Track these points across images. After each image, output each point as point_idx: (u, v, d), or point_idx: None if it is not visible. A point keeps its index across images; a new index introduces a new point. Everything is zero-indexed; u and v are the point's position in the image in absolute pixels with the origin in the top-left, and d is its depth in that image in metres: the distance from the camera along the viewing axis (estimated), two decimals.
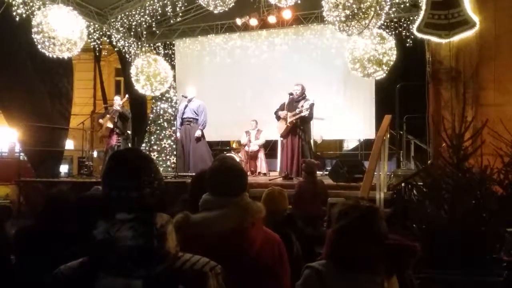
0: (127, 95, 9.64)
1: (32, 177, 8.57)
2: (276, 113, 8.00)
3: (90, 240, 1.22)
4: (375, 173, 5.03)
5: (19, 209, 7.70)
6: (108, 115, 9.02)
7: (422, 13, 4.63)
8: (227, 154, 8.56)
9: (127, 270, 1.19)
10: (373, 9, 6.21)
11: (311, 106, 7.57)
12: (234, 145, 11.32)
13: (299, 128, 7.61)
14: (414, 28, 4.80)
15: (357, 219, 1.76)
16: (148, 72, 9.32)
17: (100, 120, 9.20)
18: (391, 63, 8.14)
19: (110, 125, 8.90)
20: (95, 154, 12.15)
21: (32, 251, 2.59)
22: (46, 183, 7.96)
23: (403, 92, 8.24)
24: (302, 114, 7.49)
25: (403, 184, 5.53)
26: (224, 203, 1.82)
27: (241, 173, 1.95)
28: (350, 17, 6.31)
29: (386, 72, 8.25)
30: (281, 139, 8.19)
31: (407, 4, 8.98)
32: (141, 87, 9.44)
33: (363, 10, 6.20)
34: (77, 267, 1.25)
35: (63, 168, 12.12)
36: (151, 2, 9.75)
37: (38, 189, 7.93)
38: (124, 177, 1.26)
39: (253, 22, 9.85)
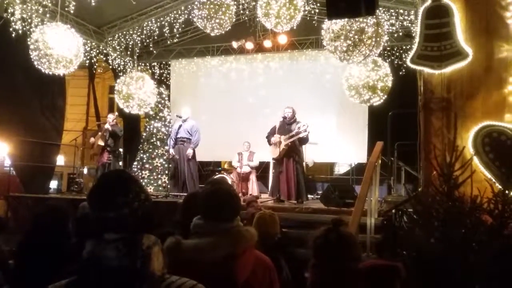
0: (116, 112, 9.69)
1: (21, 193, 8.47)
2: (268, 137, 7.98)
3: (79, 260, 1.23)
4: (366, 198, 5.04)
5: (7, 224, 7.58)
6: (99, 133, 9.03)
7: (415, 45, 4.71)
8: (220, 176, 8.54)
9: None
10: (374, 39, 6.36)
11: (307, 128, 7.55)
12: (225, 166, 11.30)
13: (293, 151, 7.57)
14: (407, 60, 4.88)
15: (317, 239, 1.92)
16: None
17: (92, 139, 9.17)
18: (387, 89, 8.27)
19: (101, 142, 8.91)
20: (85, 171, 12.06)
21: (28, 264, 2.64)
22: (35, 199, 7.88)
23: (395, 119, 8.33)
24: (301, 135, 7.41)
25: (393, 211, 5.54)
26: (215, 229, 1.81)
27: (234, 198, 1.92)
28: (351, 47, 6.45)
29: (383, 98, 8.38)
30: (273, 161, 8.16)
31: (400, 34, 9.18)
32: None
33: (365, 40, 6.34)
34: (64, 286, 1.25)
35: (53, 184, 12.00)
36: (149, 22, 9.87)
37: (27, 205, 7.83)
38: (100, 198, 1.28)
39: (249, 45, 9.99)
